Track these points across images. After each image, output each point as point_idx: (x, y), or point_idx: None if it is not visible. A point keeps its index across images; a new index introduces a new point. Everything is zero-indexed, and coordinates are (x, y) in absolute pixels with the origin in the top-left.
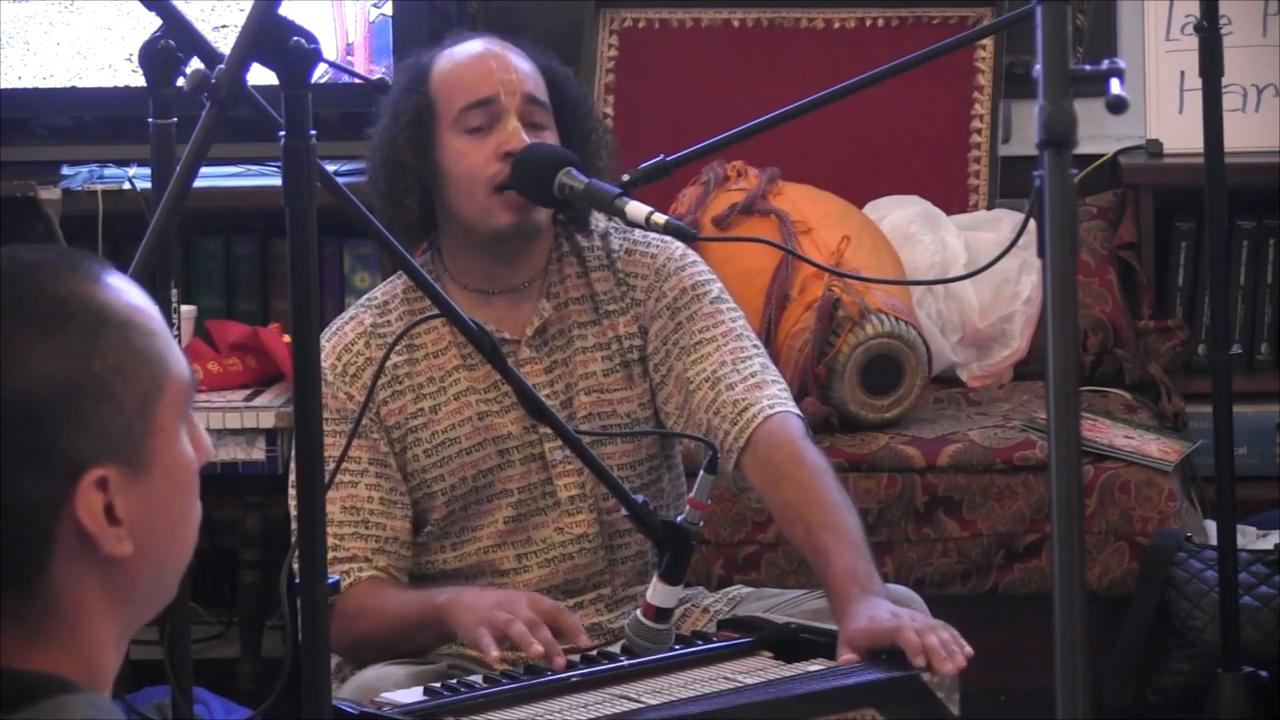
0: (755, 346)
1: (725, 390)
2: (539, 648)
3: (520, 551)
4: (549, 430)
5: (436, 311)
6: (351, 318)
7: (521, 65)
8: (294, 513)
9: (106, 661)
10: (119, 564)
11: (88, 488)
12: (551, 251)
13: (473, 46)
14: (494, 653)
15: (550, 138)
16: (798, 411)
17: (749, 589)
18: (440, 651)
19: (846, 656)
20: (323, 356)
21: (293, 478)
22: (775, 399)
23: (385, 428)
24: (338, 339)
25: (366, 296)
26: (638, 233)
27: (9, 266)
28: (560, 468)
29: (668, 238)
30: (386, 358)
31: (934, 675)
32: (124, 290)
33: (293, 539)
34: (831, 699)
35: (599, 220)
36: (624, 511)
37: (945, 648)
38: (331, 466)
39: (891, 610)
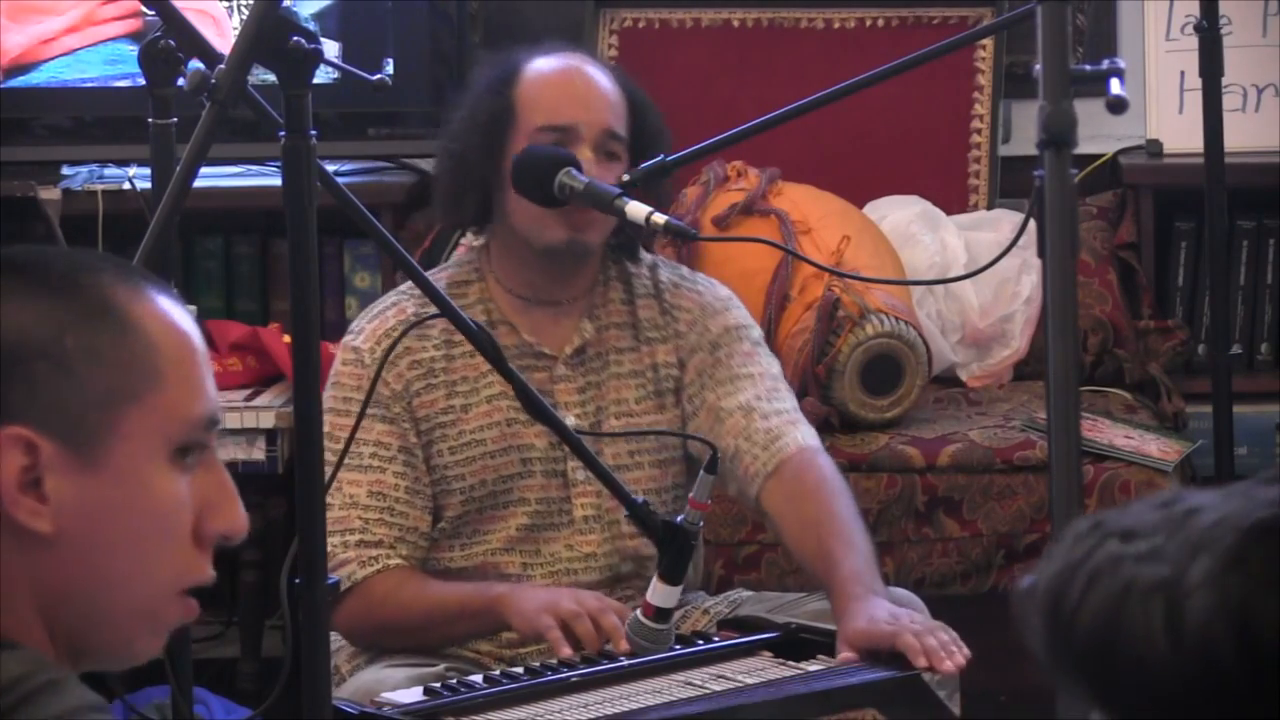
0: (789, 392)
1: (759, 419)
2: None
3: (527, 560)
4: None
5: (446, 313)
6: (393, 304)
7: (607, 94)
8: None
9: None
10: (40, 547)
11: (9, 441)
12: (598, 273)
13: (563, 64)
14: (566, 650)
15: (621, 169)
16: (828, 457)
17: (749, 592)
18: (439, 652)
19: (845, 655)
20: (362, 337)
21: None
22: (809, 437)
23: (415, 419)
24: (379, 323)
25: (409, 284)
26: (685, 269)
27: (67, 252)
28: (580, 487)
29: (714, 280)
30: (385, 361)
31: (935, 675)
32: (161, 308)
33: None
34: (833, 699)
35: (644, 254)
36: (625, 512)
37: (945, 648)
38: (356, 448)
39: (890, 611)
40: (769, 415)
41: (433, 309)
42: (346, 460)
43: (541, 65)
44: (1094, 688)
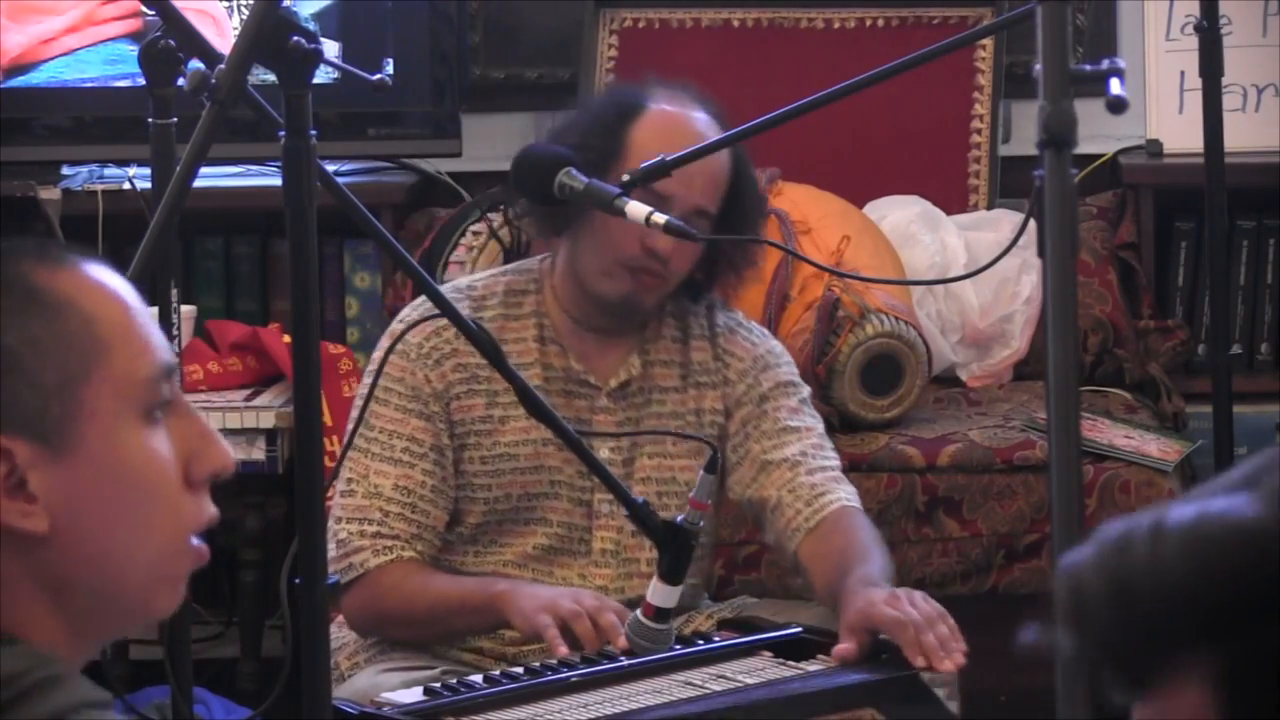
0: (834, 451)
1: (805, 475)
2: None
3: (539, 579)
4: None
5: (447, 314)
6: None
7: (713, 174)
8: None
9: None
10: (39, 544)
11: None
12: None
13: (684, 129)
14: (562, 649)
15: (697, 247)
16: (867, 518)
17: (754, 599)
18: (438, 655)
19: (840, 648)
20: (410, 332)
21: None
22: (853, 497)
23: (450, 421)
24: (433, 320)
25: (468, 284)
26: (740, 314)
27: None
28: (604, 520)
29: (767, 332)
30: (387, 359)
31: (933, 673)
32: (87, 277)
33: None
34: (832, 698)
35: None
36: (625, 512)
37: (944, 646)
38: (389, 440)
39: (890, 593)
40: (814, 471)
41: (489, 311)
42: (377, 450)
43: (665, 119)
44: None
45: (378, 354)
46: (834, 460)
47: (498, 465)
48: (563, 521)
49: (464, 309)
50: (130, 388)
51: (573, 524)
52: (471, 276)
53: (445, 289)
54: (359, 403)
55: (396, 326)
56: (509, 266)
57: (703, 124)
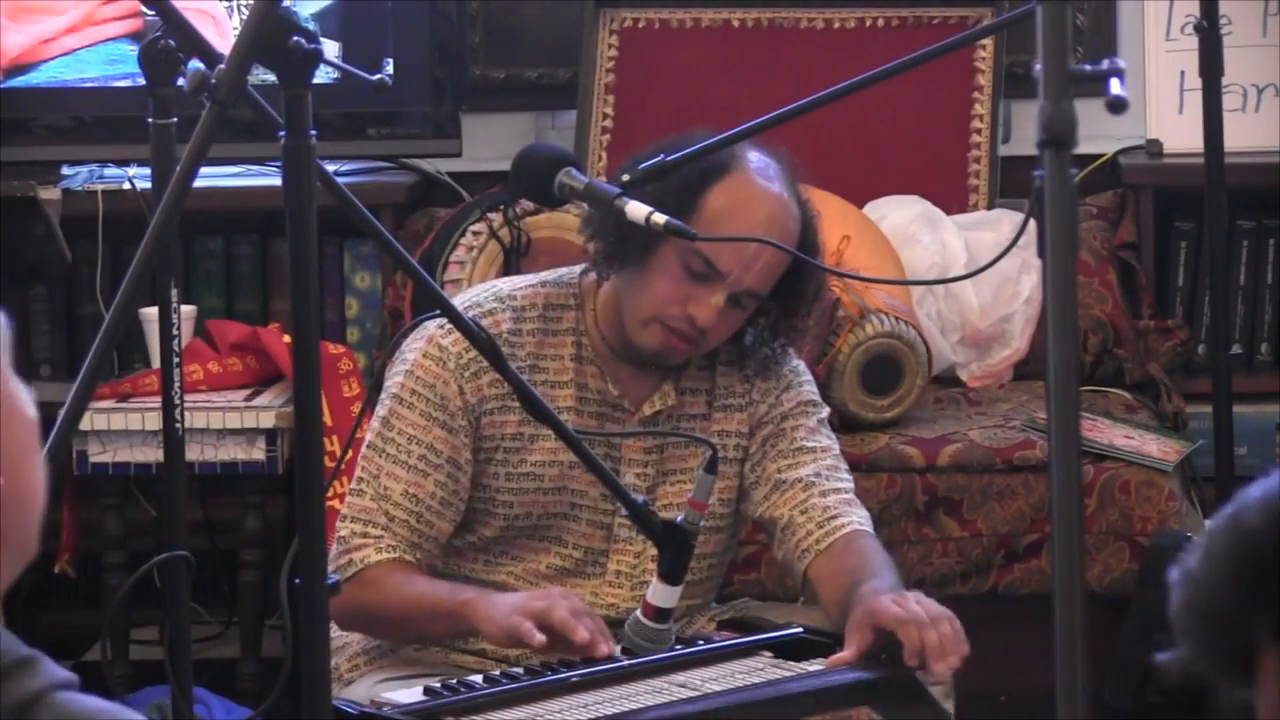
0: (848, 472)
1: (818, 496)
2: (585, 633)
3: None
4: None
5: (446, 314)
6: (490, 312)
7: (777, 262)
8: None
9: None
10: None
11: None
12: None
13: (761, 213)
14: (539, 638)
15: (741, 318)
16: (878, 541)
17: (756, 602)
18: (437, 661)
19: (838, 656)
20: (453, 338)
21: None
22: (865, 521)
23: (478, 436)
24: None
25: (509, 292)
26: (765, 332)
27: None
28: (621, 545)
29: (790, 350)
30: (378, 380)
31: (929, 675)
32: None
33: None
34: (827, 698)
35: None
36: (624, 511)
37: (943, 645)
38: (406, 445)
39: (896, 597)
40: (828, 493)
41: (529, 324)
42: (392, 452)
43: (744, 190)
44: None
45: (422, 359)
46: (848, 482)
47: (522, 484)
48: (579, 544)
49: (505, 319)
50: (4, 340)
51: (590, 547)
52: (510, 283)
53: (480, 293)
54: (384, 398)
55: (435, 331)
56: (547, 276)
57: (777, 204)
